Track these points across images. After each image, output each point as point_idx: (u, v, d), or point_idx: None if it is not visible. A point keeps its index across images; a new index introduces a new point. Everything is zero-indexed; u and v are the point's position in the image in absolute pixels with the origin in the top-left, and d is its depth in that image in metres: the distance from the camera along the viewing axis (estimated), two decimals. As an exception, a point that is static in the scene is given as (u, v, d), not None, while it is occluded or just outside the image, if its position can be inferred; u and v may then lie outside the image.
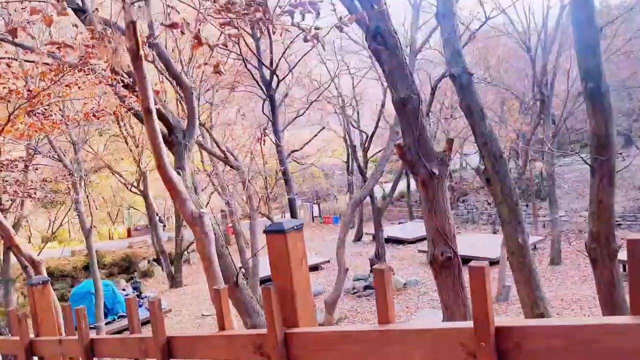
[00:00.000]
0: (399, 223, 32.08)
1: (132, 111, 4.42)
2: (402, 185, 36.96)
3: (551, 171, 17.09)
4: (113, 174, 20.71)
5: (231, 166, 9.56)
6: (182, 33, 2.11)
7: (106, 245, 26.19)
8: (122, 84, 4.62)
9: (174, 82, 6.86)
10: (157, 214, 28.19)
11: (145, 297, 17.47)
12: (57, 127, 4.32)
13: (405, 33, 14.12)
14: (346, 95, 21.20)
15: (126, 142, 19.47)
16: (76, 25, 2.93)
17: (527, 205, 25.72)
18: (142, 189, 21.53)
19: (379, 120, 20.28)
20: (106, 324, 14.20)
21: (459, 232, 26.00)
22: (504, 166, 4.54)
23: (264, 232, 1.26)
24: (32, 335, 2.12)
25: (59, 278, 19.10)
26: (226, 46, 2.53)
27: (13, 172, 6.74)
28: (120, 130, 18.12)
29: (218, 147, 9.39)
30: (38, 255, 12.96)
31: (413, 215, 33.11)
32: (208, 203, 21.69)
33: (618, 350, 0.84)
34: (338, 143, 29.31)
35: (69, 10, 3.08)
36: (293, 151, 11.96)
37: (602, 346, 0.86)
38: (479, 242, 18.71)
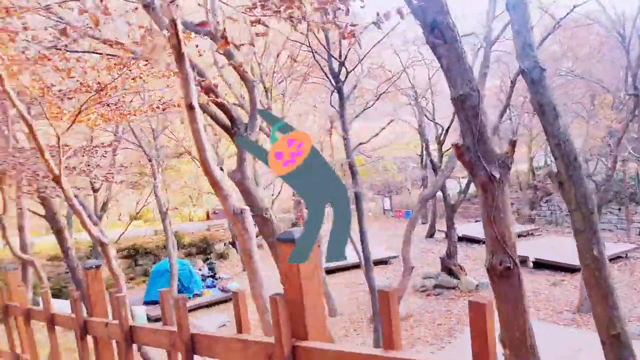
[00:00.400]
0: (476, 221, 30.87)
1: (201, 103, 4.58)
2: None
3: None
4: (192, 160, 21.78)
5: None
6: (210, 33, 2.14)
7: (186, 227, 27.79)
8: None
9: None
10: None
11: (219, 277, 18.37)
12: (125, 118, 4.60)
13: (481, 22, 13.42)
14: (420, 88, 20.62)
15: (204, 130, 20.33)
16: (129, 23, 3.10)
17: (619, 209, 23.64)
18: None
19: (455, 113, 19.58)
20: (182, 301, 15.15)
21: (540, 234, 24.62)
22: (579, 170, 4.17)
23: (277, 239, 1.25)
24: (85, 315, 2.31)
25: (143, 255, 20.55)
26: (253, 45, 2.54)
27: (93, 157, 7.33)
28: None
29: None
30: (123, 233, 14.01)
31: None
32: (280, 192, 22.28)
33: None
34: (412, 135, 28.66)
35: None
36: (360, 144, 11.84)
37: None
38: (559, 246, 17.53)
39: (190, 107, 2.35)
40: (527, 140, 29.77)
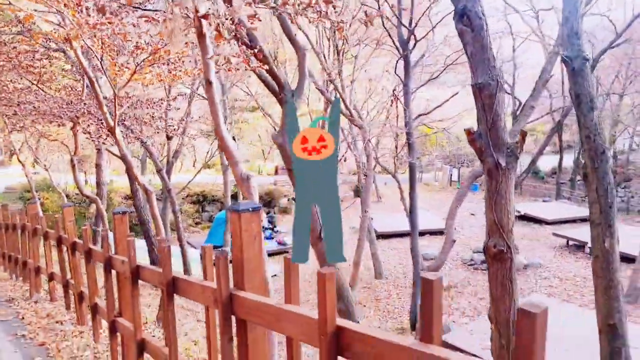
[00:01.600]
0: (543, 201, 29.59)
1: (251, 68, 4.98)
2: (555, 161, 33.72)
3: None
4: (264, 115, 22.55)
5: (355, 124, 9.91)
6: (210, 25, 2.42)
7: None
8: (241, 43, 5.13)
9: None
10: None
11: (278, 230, 19.37)
12: (179, 78, 5.07)
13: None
14: (500, 60, 19.72)
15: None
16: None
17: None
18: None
19: (535, 88, 18.57)
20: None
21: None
22: (605, 163, 4.12)
23: (227, 209, 1.61)
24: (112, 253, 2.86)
25: (210, 202, 21.99)
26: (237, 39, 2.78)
27: (158, 109, 8.04)
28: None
29: (345, 104, 9.78)
30: (192, 180, 15.07)
31: (561, 195, 30.20)
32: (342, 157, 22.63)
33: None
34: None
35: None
36: (420, 115, 11.77)
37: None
38: (621, 235, 16.48)
39: (208, 82, 2.72)
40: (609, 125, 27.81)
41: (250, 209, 1.60)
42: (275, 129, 22.53)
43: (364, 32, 16.40)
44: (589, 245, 16.22)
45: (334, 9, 2.85)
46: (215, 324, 1.88)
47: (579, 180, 31.68)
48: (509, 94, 21.60)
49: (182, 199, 21.06)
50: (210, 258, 1.90)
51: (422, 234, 19.47)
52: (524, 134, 3.33)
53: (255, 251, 1.63)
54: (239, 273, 1.62)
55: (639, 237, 13.91)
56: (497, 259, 3.38)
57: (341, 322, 1.38)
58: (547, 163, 36.46)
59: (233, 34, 4.50)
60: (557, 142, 32.95)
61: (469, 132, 3.44)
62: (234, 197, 23.21)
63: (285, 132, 5.31)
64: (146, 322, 5.54)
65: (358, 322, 5.02)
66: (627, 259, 14.21)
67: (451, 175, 39.02)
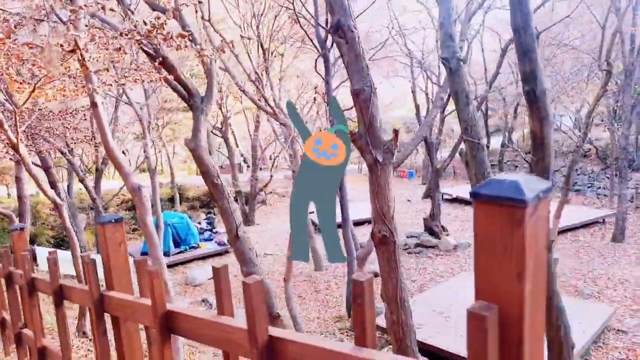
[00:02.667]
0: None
1: (158, 78, 5.13)
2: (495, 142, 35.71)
3: (625, 144, 15.81)
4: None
5: (278, 121, 10.21)
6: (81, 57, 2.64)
7: (192, 181, 28.70)
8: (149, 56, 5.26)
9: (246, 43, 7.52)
10: (242, 155, 30.15)
11: (217, 231, 19.35)
12: (83, 93, 5.13)
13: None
14: (427, 53, 20.74)
15: None
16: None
17: (616, 175, 23.89)
18: (224, 131, 23.03)
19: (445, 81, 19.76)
20: (178, 253, 16.16)
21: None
22: (482, 152, 4.68)
23: (96, 222, 1.86)
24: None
25: (145, 207, 21.51)
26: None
27: (71, 119, 7.98)
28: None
29: (267, 102, 10.04)
30: (123, 186, 14.67)
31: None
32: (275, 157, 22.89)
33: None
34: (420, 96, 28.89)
35: None
36: (344, 110, 12.23)
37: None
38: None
39: (94, 105, 2.92)
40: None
41: (113, 220, 1.86)
42: (207, 129, 22.42)
43: (289, 30, 16.78)
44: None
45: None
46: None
47: (507, 162, 33.78)
48: (435, 83, 22.71)
49: (117, 205, 20.54)
50: (86, 266, 2.13)
51: (361, 223, 20.21)
52: (396, 132, 3.76)
53: (121, 257, 1.89)
54: (109, 276, 1.88)
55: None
56: (382, 242, 3.81)
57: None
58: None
59: (139, 45, 4.65)
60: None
61: (351, 133, 3.83)
62: (171, 200, 22.92)
63: (198, 138, 5.53)
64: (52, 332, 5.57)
65: (278, 314, 5.33)
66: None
67: (389, 164, 40.12)
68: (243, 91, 10.01)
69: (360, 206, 20.09)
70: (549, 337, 3.94)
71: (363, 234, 18.44)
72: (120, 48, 2.93)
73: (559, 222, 13.53)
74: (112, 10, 4.22)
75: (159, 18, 2.77)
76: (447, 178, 34.31)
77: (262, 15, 15.12)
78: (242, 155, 26.19)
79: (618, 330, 9.34)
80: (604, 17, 12.96)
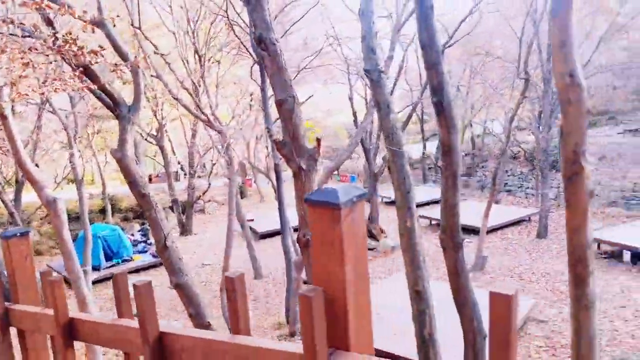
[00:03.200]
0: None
1: (81, 87, 5.01)
2: (431, 147, 37.07)
3: (545, 147, 17.09)
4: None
5: (214, 129, 10.17)
6: None
7: (124, 191, 27.63)
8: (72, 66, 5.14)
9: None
10: (179, 163, 29.43)
11: (151, 243, 18.78)
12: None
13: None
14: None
15: (145, 93, 19.91)
16: None
17: (534, 177, 25.72)
18: (159, 139, 22.40)
19: (395, 83, 20.40)
20: (110, 266, 15.54)
21: (465, 199, 26.40)
22: (402, 158, 4.97)
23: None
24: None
25: (73, 220, 20.52)
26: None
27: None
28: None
29: (201, 111, 9.98)
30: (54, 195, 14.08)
31: (427, 179, 33.39)
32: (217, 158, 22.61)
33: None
34: (358, 101, 29.55)
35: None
36: (278, 119, 12.39)
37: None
38: (472, 210, 18.94)
39: (2, 117, 2.87)
40: (462, 113, 31.26)
41: (18, 234, 1.87)
42: (142, 136, 21.80)
43: (226, 37, 16.70)
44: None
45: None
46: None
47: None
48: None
49: (40, 219, 19.46)
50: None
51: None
52: (318, 141, 3.94)
53: (27, 270, 1.90)
54: (14, 290, 1.88)
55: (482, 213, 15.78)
56: (307, 246, 3.96)
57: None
58: (417, 151, 39.92)
59: (61, 56, 4.55)
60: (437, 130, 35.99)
61: (276, 142, 3.96)
62: (102, 211, 22.01)
63: (124, 149, 5.45)
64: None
65: (209, 323, 5.34)
66: (474, 231, 16.43)
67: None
68: (176, 99, 9.87)
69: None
70: (465, 329, 4.24)
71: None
72: (28, 63, 2.89)
73: (488, 221, 14.34)
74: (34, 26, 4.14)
75: (70, 33, 2.76)
76: (388, 181, 35.27)
77: (197, 21, 14.95)
78: (179, 163, 25.62)
79: (539, 320, 10.07)
80: (522, 28, 13.94)
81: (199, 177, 26.02)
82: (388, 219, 21.78)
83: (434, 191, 28.15)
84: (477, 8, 14.29)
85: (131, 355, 1.42)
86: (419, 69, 26.54)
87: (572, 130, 1.72)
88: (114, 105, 5.62)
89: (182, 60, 13.55)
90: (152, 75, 10.40)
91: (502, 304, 0.82)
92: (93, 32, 5.21)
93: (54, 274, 1.70)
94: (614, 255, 14.05)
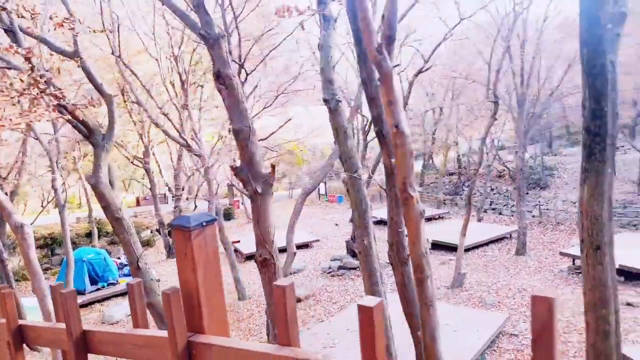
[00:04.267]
0: (398, 205, 32.93)
1: (57, 117, 5.32)
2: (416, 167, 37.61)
3: (521, 165, 17.60)
4: (116, 146, 21.81)
5: (193, 153, 10.50)
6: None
7: (113, 214, 27.72)
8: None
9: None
10: (166, 185, 29.59)
11: (138, 264, 18.81)
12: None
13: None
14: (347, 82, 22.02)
15: (130, 115, 19.95)
16: None
17: (527, 193, 26.20)
18: (145, 162, 22.59)
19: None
20: (95, 290, 15.60)
21: (450, 217, 26.82)
22: (359, 181, 5.33)
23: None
24: None
25: (60, 244, 20.58)
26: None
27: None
28: (125, 104, 18.57)
29: (180, 136, 10.32)
30: (32, 222, 14.16)
31: (412, 198, 33.84)
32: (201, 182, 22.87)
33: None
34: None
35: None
36: (261, 139, 12.75)
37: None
38: (454, 227, 19.31)
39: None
40: (445, 134, 31.95)
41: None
42: (128, 159, 22.03)
43: (209, 63, 17.18)
44: (430, 240, 18.87)
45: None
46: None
47: (430, 184, 35.81)
48: (359, 112, 23.98)
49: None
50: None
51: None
52: (273, 166, 4.27)
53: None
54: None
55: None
56: (264, 265, 4.26)
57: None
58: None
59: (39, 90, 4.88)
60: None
61: (233, 167, 4.29)
62: (89, 235, 22.06)
63: (98, 175, 5.75)
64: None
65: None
66: (454, 248, 16.78)
67: (319, 189, 41.19)
68: (156, 124, 10.21)
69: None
70: (415, 338, 4.54)
71: (301, 259, 18.91)
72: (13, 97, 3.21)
73: (465, 239, 14.70)
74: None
75: (31, 74, 3.08)
76: (375, 201, 35.58)
77: (180, 47, 15.37)
78: (166, 185, 25.80)
79: (511, 334, 10.36)
80: (490, 54, 14.56)
81: (187, 199, 26.22)
82: (378, 238, 22.03)
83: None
84: (450, 35, 14.92)
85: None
86: (402, 89, 27.28)
87: (401, 166, 2.07)
88: (88, 133, 5.94)
89: (165, 86, 13.95)
90: (132, 102, 10.73)
91: (544, 307, 0.85)
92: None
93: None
94: (589, 269, 14.43)
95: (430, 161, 39.47)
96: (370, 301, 0.90)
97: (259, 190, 4.23)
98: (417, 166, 37.76)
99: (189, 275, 1.17)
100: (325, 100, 5.48)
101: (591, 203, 3.78)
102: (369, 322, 0.90)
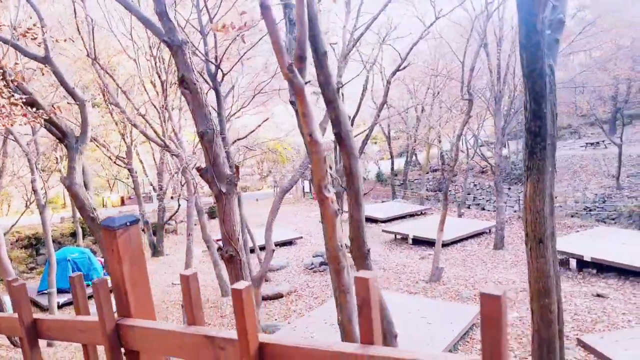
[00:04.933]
0: (382, 201, 33.29)
1: (30, 121, 5.45)
2: (400, 163, 37.99)
3: (499, 161, 17.97)
4: (98, 146, 21.73)
5: (171, 153, 10.63)
6: None
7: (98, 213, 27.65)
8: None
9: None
10: (151, 184, 29.54)
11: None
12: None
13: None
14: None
15: (111, 115, 19.87)
16: None
17: (509, 189, 26.76)
18: (127, 161, 22.56)
19: (360, 103, 21.19)
20: (78, 288, 15.65)
21: (432, 213, 27.20)
22: (335, 180, 5.57)
23: None
24: None
25: (45, 243, 20.50)
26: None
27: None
28: (106, 104, 18.37)
29: (158, 136, 10.44)
30: (16, 222, 14.22)
31: (395, 195, 34.18)
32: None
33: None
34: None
35: None
36: (236, 140, 12.94)
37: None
38: (431, 224, 19.70)
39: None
40: (426, 132, 32.34)
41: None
42: (110, 159, 21.98)
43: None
44: (411, 236, 19.19)
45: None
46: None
47: (414, 180, 36.21)
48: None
49: (11, 244, 19.40)
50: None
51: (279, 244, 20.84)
52: (237, 167, 4.47)
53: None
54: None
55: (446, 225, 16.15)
56: (230, 261, 4.47)
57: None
58: (388, 168, 40.85)
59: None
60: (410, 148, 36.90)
61: (198, 169, 4.48)
62: (73, 235, 22.01)
63: (72, 176, 5.89)
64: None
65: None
66: (432, 243, 17.14)
67: (303, 187, 41.43)
68: (134, 125, 10.32)
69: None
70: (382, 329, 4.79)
71: (284, 256, 19.14)
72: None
73: (442, 234, 15.03)
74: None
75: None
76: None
77: (159, 48, 15.41)
78: (151, 185, 25.80)
79: (483, 326, 10.67)
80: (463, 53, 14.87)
81: (172, 198, 26.22)
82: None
83: (401, 206, 28.99)
84: (427, 33, 15.19)
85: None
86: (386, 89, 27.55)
87: (316, 171, 2.30)
88: (62, 136, 6.08)
89: (144, 86, 14.01)
90: (110, 103, 10.82)
91: (491, 304, 0.89)
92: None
93: None
94: (562, 263, 14.86)
95: (414, 158, 39.88)
96: (240, 285, 1.12)
97: (224, 190, 4.42)
98: (400, 163, 38.15)
99: (116, 268, 1.38)
100: (292, 102, 5.68)
101: (534, 199, 4.04)
102: (239, 303, 1.12)
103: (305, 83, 2.37)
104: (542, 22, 3.97)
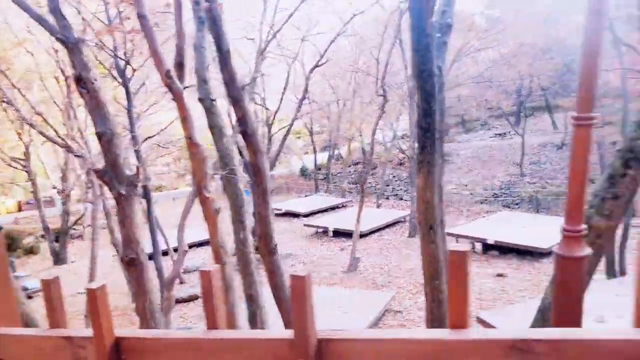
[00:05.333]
0: (305, 196, 33.63)
1: None
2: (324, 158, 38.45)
3: (413, 154, 18.89)
4: (-6, 149, 19.90)
5: (74, 154, 10.03)
6: None
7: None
8: None
9: None
10: (54, 187, 27.47)
11: (16, 276, 17.48)
12: None
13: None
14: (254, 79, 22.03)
15: (6, 113, 18.28)
16: None
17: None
18: (25, 163, 20.88)
19: (282, 98, 21.18)
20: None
21: (352, 205, 27.98)
22: (235, 178, 5.59)
23: None
24: None
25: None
26: None
27: None
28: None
29: (58, 135, 9.82)
30: None
31: (318, 189, 34.73)
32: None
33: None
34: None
35: None
36: (147, 137, 12.47)
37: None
38: (351, 215, 20.26)
39: None
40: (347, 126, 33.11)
41: None
42: (4, 162, 20.23)
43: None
44: (332, 229, 19.57)
45: None
46: None
47: (337, 174, 36.91)
48: (260, 105, 24.06)
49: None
50: None
51: (189, 247, 20.23)
52: (138, 169, 4.36)
53: None
54: None
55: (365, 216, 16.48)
56: (130, 264, 4.36)
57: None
58: (311, 162, 41.20)
59: None
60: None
61: (97, 171, 4.32)
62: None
63: None
64: None
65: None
66: (360, 235, 17.61)
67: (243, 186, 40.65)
68: (30, 125, 9.61)
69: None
70: (285, 321, 4.93)
71: (200, 257, 18.67)
72: None
73: (360, 225, 15.57)
74: None
75: None
76: (282, 193, 35.89)
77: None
78: (54, 187, 24.03)
79: (396, 311, 11.27)
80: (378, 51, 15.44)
81: (78, 201, 24.63)
82: (279, 229, 22.42)
83: (323, 199, 29.51)
84: (344, 31, 15.56)
85: None
86: (306, 83, 27.81)
87: (197, 172, 2.40)
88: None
89: (43, 82, 13.04)
90: (4, 101, 9.99)
91: (299, 284, 1.06)
92: None
93: None
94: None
95: (337, 152, 40.66)
96: (93, 284, 1.16)
97: (123, 192, 4.31)
98: (324, 157, 38.72)
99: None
100: (200, 100, 5.62)
101: (425, 190, 4.36)
102: (93, 302, 1.16)
103: (185, 88, 2.41)
104: (432, 26, 4.28)
